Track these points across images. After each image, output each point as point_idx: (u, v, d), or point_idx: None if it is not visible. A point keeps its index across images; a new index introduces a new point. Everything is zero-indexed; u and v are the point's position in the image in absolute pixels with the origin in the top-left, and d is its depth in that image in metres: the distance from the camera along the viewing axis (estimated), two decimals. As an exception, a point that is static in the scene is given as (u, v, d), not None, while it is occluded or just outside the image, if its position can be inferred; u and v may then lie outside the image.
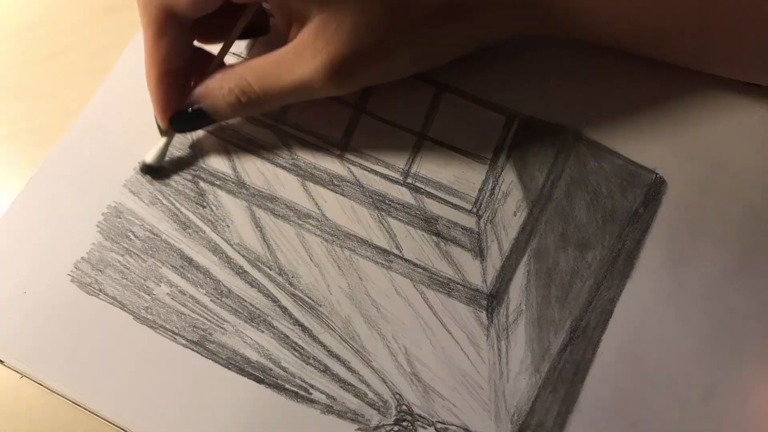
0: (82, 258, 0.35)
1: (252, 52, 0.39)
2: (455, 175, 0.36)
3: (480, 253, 0.35)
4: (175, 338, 0.33)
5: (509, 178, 0.36)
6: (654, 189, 0.35)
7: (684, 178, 0.36)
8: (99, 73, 0.40)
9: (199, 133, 0.38)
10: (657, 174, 0.36)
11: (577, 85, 0.38)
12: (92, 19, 0.42)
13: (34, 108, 0.40)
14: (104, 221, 0.36)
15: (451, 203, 0.36)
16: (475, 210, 0.36)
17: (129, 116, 0.38)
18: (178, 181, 0.36)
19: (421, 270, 0.34)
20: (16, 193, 0.37)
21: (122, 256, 0.35)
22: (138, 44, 0.38)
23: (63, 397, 0.33)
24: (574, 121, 0.37)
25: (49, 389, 0.33)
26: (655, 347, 0.33)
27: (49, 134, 0.39)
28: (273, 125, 0.38)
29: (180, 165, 0.37)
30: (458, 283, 0.34)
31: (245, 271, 0.35)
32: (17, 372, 0.33)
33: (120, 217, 0.36)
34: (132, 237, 0.35)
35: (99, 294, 0.34)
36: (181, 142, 0.37)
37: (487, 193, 0.36)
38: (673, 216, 0.35)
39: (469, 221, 0.35)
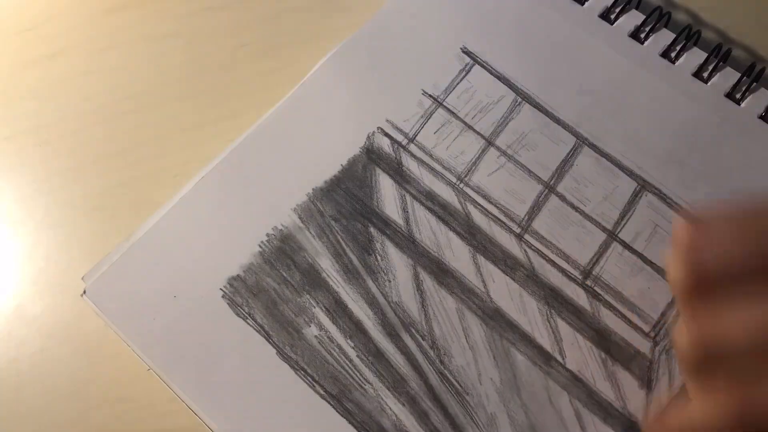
0: (239, 276, 0.34)
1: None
2: (639, 290, 0.34)
3: (647, 384, 0.32)
4: (314, 385, 0.32)
5: (697, 308, 0.33)
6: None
7: None
8: (99, 74, 0.40)
9: (379, 174, 0.36)
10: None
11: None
12: (92, 19, 0.42)
13: (34, 108, 0.40)
14: (267, 242, 0.35)
15: (629, 320, 0.33)
16: (653, 335, 0.33)
17: (313, 134, 0.36)
18: (349, 219, 0.35)
19: (581, 385, 0.32)
20: (16, 194, 0.37)
21: (278, 284, 0.34)
22: (339, 55, 0.36)
23: (188, 407, 0.32)
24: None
25: (175, 394, 0.33)
26: None
27: (49, 134, 0.39)
28: (455, 184, 0.36)
29: (355, 202, 0.35)
30: (617, 410, 0.32)
31: (398, 335, 0.33)
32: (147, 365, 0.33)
33: (284, 243, 0.35)
34: (292, 267, 0.34)
35: (247, 318, 0.33)
36: (360, 178, 0.36)
37: (670, 319, 0.33)
38: None
39: (644, 345, 0.33)
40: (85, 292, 0.34)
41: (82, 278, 0.34)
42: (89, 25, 0.42)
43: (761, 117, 0.36)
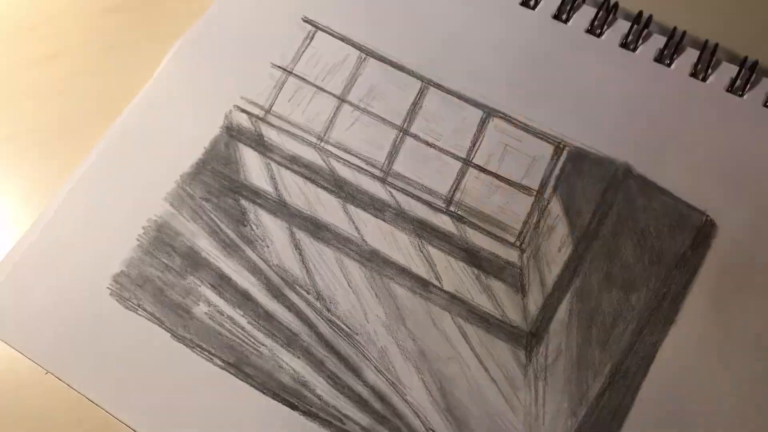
0: (122, 271, 0.35)
1: None
2: (499, 206, 0.36)
3: (521, 289, 0.34)
4: (211, 359, 0.33)
5: (555, 211, 0.35)
6: (703, 232, 0.34)
7: (735, 221, 0.35)
8: (99, 74, 0.40)
9: (242, 148, 0.37)
10: (707, 216, 0.35)
11: (628, 116, 0.37)
12: (92, 19, 0.42)
13: (34, 108, 0.40)
14: (144, 235, 0.36)
15: (494, 235, 0.35)
16: (518, 243, 0.35)
17: (172, 124, 0.37)
18: (220, 197, 0.36)
19: (460, 303, 0.34)
20: (16, 194, 0.38)
21: (161, 272, 0.35)
22: (185, 45, 0.38)
23: (95, 404, 0.33)
24: (624, 155, 0.36)
25: (79, 393, 0.33)
26: (697, 398, 0.32)
27: (49, 134, 0.39)
28: (316, 144, 0.37)
29: (223, 180, 0.37)
30: (498, 319, 0.34)
31: (283, 294, 0.34)
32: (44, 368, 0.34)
33: (160, 232, 0.36)
34: (172, 253, 0.35)
35: (137, 309, 0.34)
36: (224, 156, 0.37)
37: (532, 227, 0.35)
38: (722, 260, 0.34)
39: (512, 255, 0.35)
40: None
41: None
42: (89, 25, 0.42)
43: (588, 31, 0.39)
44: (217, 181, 0.37)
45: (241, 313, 0.34)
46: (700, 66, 0.38)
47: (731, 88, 0.37)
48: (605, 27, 0.39)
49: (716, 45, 0.37)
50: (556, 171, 0.36)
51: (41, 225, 0.36)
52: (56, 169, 0.39)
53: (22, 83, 0.41)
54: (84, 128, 0.40)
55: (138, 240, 0.35)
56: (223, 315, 0.34)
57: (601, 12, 0.39)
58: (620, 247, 0.34)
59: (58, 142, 0.40)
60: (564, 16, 0.39)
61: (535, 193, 0.36)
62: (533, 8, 0.40)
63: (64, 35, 0.42)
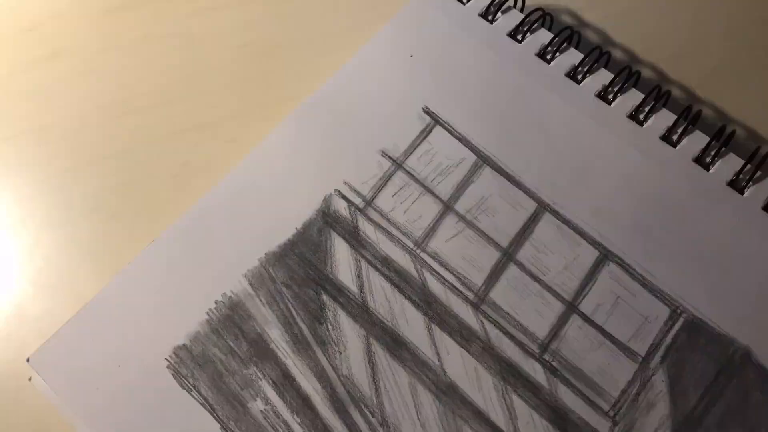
0: (185, 345, 0.33)
1: None
2: (599, 366, 0.32)
3: (606, 468, 0.31)
4: (257, 464, 0.31)
5: (659, 386, 0.32)
6: (825, 448, 0.30)
7: None
8: (99, 74, 0.40)
9: (335, 238, 0.35)
10: (832, 431, 0.30)
11: (762, 294, 0.33)
12: (92, 19, 0.42)
13: (34, 108, 0.40)
14: (215, 310, 0.34)
15: (588, 398, 0.32)
16: (612, 414, 0.31)
17: (268, 196, 0.35)
18: (302, 286, 0.34)
19: (535, 468, 0.31)
20: (13, 191, 0.37)
21: (225, 355, 0.33)
22: (300, 114, 0.36)
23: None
24: (747, 337, 0.32)
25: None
26: None
27: (49, 134, 0.39)
28: (412, 249, 0.35)
29: (308, 268, 0.34)
30: (574, 496, 0.30)
31: (346, 411, 0.32)
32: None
33: (233, 311, 0.33)
34: (240, 336, 0.33)
35: (192, 390, 0.32)
36: (315, 242, 0.35)
37: (630, 398, 0.32)
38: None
39: (603, 425, 0.31)
40: (28, 360, 0.33)
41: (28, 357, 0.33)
42: (89, 25, 0.42)
43: (729, 184, 0.35)
44: (303, 268, 0.34)
45: (299, 420, 0.32)
46: None
47: None
48: (750, 183, 0.35)
49: None
50: (668, 339, 0.32)
51: (110, 281, 0.34)
52: (56, 170, 0.38)
53: (22, 83, 0.41)
54: (84, 128, 0.39)
55: (208, 315, 0.33)
56: (278, 418, 0.32)
57: (748, 166, 0.35)
58: (726, 444, 0.31)
59: (58, 142, 0.39)
60: (706, 162, 0.36)
61: (640, 360, 0.32)
62: (675, 146, 0.36)
63: (64, 35, 0.42)
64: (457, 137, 0.37)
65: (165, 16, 0.42)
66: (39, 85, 0.41)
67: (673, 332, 0.33)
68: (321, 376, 0.32)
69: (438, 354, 0.33)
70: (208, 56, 0.41)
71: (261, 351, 0.33)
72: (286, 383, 0.32)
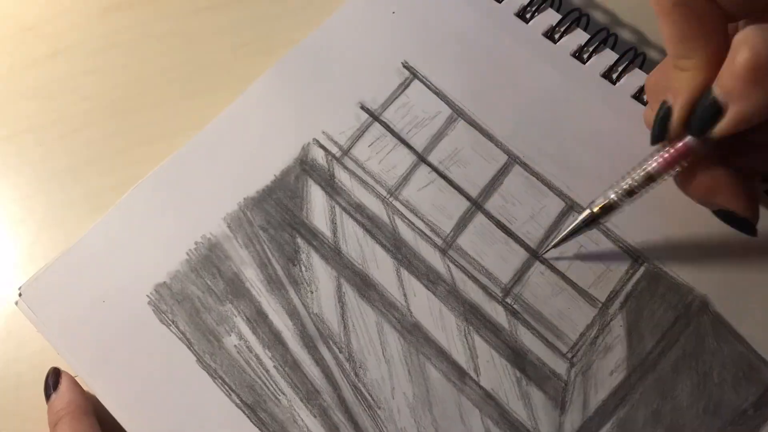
0: (165, 283, 0.34)
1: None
2: (559, 310, 0.33)
3: (561, 405, 0.32)
4: (230, 394, 0.33)
5: (617, 331, 0.33)
6: (774, 392, 0.31)
7: (812, 388, 0.31)
8: (98, 73, 0.40)
9: (311, 185, 0.36)
10: (782, 376, 0.32)
11: (720, 249, 0.34)
12: (92, 19, 0.42)
13: (34, 108, 0.40)
14: (195, 250, 0.35)
15: (547, 340, 0.33)
16: (570, 356, 0.33)
17: (248, 145, 0.37)
18: (277, 229, 0.35)
19: (493, 403, 0.32)
20: (13, 191, 0.38)
21: (203, 292, 0.34)
22: (280, 66, 0.37)
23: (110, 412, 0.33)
24: (705, 287, 0.33)
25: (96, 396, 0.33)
26: None
27: (49, 134, 0.39)
28: (385, 197, 0.36)
29: (284, 212, 0.36)
30: (528, 431, 0.32)
31: (315, 346, 0.33)
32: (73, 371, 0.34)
33: (211, 251, 0.35)
34: (217, 275, 0.35)
35: (170, 325, 0.34)
36: (292, 189, 0.36)
37: (588, 341, 0.33)
38: (788, 429, 0.31)
39: (560, 366, 0.33)
40: (20, 295, 0.34)
41: (19, 288, 0.34)
42: (89, 25, 0.42)
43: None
44: (279, 213, 0.36)
45: (270, 354, 0.33)
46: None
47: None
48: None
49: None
50: (628, 287, 0.34)
51: (97, 222, 0.36)
52: (56, 170, 0.39)
53: (22, 83, 0.41)
54: (84, 128, 0.40)
55: (188, 255, 0.35)
56: (251, 352, 0.33)
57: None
58: (677, 386, 0.32)
59: (58, 142, 0.39)
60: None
61: (600, 306, 0.33)
62: (645, 104, 0.37)
63: (64, 35, 0.42)
64: (434, 91, 0.38)
65: (164, 16, 0.42)
66: (39, 85, 0.41)
67: (633, 280, 0.34)
68: (292, 314, 0.34)
69: (405, 295, 0.34)
70: (207, 56, 0.41)
71: (236, 289, 0.34)
72: (259, 320, 0.34)
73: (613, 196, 0.31)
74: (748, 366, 0.32)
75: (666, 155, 0.30)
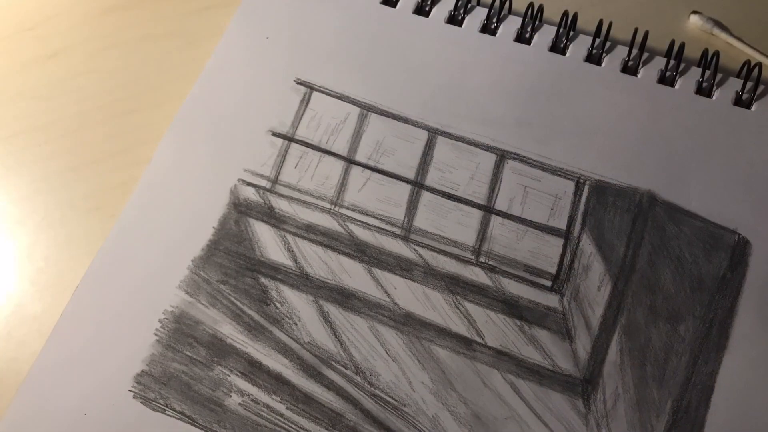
0: (143, 371, 0.33)
1: None
2: (530, 251, 0.34)
3: (568, 335, 0.33)
4: (253, 453, 0.31)
5: (588, 249, 0.34)
6: (738, 251, 0.34)
7: (767, 236, 0.34)
8: (98, 73, 0.40)
9: (254, 223, 0.35)
10: (739, 234, 0.34)
11: (642, 142, 0.36)
12: (92, 19, 0.42)
13: (34, 108, 0.40)
14: (162, 328, 0.33)
15: (530, 281, 0.34)
16: (556, 288, 0.34)
17: (176, 209, 0.36)
18: (237, 278, 0.34)
19: (507, 358, 0.32)
20: (13, 192, 0.37)
21: (186, 365, 0.33)
22: (177, 125, 0.36)
23: None
24: (646, 182, 0.35)
25: None
26: (764, 422, 0.31)
27: (49, 134, 0.39)
28: (330, 209, 0.36)
29: (238, 259, 0.35)
30: (549, 370, 0.32)
31: (320, 373, 0.33)
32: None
33: (179, 323, 0.34)
34: (194, 344, 0.33)
35: (166, 409, 0.32)
36: (236, 234, 0.35)
37: (567, 268, 0.34)
38: (763, 277, 0.33)
39: (552, 300, 0.33)
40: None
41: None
42: (88, 25, 0.42)
43: (587, 60, 0.38)
44: (233, 261, 0.35)
45: (278, 399, 0.32)
46: (705, 84, 0.37)
47: (738, 101, 0.37)
48: (604, 54, 0.39)
49: (716, 58, 0.37)
50: (581, 207, 0.35)
51: (53, 327, 0.33)
52: (56, 170, 0.38)
53: (22, 83, 0.41)
54: (84, 128, 0.39)
55: (156, 335, 0.33)
56: (258, 404, 0.32)
57: (597, 40, 0.39)
58: (659, 277, 0.33)
59: (58, 142, 0.39)
60: (561, 47, 0.39)
61: (564, 233, 0.35)
62: (529, 44, 0.39)
63: (64, 35, 0.42)
64: (336, 96, 0.38)
65: (164, 16, 0.42)
66: (39, 85, 0.40)
67: (583, 200, 0.35)
68: (285, 352, 0.33)
69: (386, 292, 0.34)
70: (207, 56, 0.40)
71: (220, 350, 0.33)
72: (254, 370, 0.33)
73: None
74: (711, 236, 0.34)
75: None
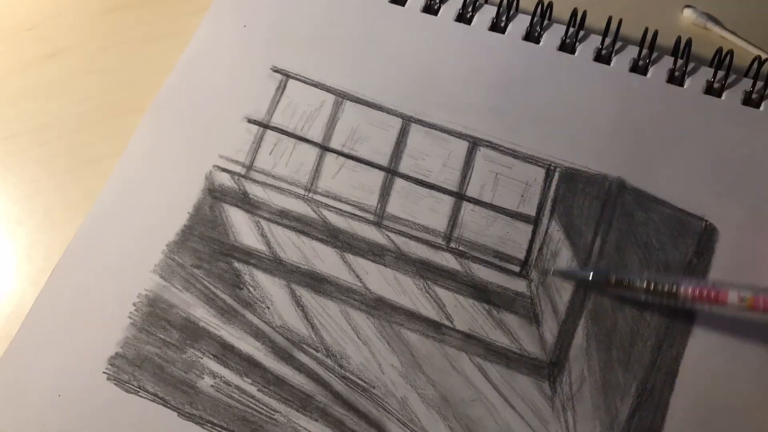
0: (117, 353, 0.33)
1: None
2: (500, 237, 0.35)
3: (535, 319, 0.33)
4: (224, 434, 0.32)
5: (557, 235, 0.35)
6: (705, 238, 0.34)
7: (734, 222, 0.34)
8: (98, 73, 0.41)
9: (228, 209, 0.36)
10: (706, 221, 0.34)
11: (612, 130, 0.36)
12: (92, 19, 0.43)
13: (34, 108, 0.40)
14: (136, 312, 0.34)
15: (499, 267, 0.34)
16: (524, 273, 0.34)
17: (152, 194, 0.36)
18: (211, 262, 0.35)
19: (475, 341, 0.33)
20: (13, 191, 0.38)
21: (160, 348, 0.33)
22: (154, 112, 0.37)
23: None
24: (615, 170, 0.36)
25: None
26: (728, 403, 0.31)
27: (49, 134, 0.39)
28: (304, 195, 0.36)
29: (212, 244, 0.35)
30: (516, 353, 0.33)
31: (291, 356, 0.33)
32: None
33: (152, 306, 0.34)
34: (168, 327, 0.34)
35: (139, 391, 0.32)
36: (211, 219, 0.36)
37: (535, 254, 0.35)
38: (728, 263, 0.34)
39: (520, 285, 0.34)
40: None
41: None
42: (89, 25, 0.42)
43: (561, 48, 0.39)
44: (207, 246, 0.35)
45: (250, 381, 0.33)
46: (677, 73, 0.38)
47: (709, 90, 0.37)
48: (577, 43, 0.39)
49: (688, 45, 0.38)
50: (551, 194, 0.36)
51: (29, 311, 0.34)
52: (56, 170, 0.38)
53: (22, 83, 0.41)
54: (84, 128, 0.39)
55: (130, 318, 0.34)
56: (230, 386, 0.33)
57: (570, 29, 0.39)
58: (627, 263, 0.34)
59: (58, 142, 0.39)
60: (535, 36, 0.39)
61: (533, 220, 0.35)
62: (503, 32, 0.39)
63: (64, 35, 0.42)
64: (311, 84, 0.39)
65: (165, 16, 0.42)
66: (39, 85, 0.40)
67: (553, 187, 0.36)
68: (257, 335, 0.33)
69: (358, 276, 0.34)
70: None
71: (193, 333, 0.33)
72: (226, 352, 0.33)
73: (634, 281, 0.32)
74: (678, 223, 0.34)
75: (701, 292, 0.31)
